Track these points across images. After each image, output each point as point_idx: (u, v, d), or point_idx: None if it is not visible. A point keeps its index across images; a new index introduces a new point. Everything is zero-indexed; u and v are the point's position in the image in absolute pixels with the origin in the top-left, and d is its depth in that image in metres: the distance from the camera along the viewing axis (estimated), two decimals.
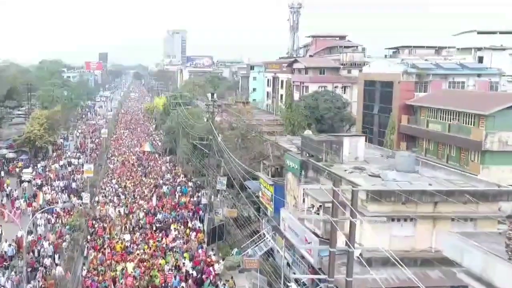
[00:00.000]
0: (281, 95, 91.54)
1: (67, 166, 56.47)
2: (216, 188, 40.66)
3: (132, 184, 46.37)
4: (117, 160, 59.59)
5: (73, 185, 46.37)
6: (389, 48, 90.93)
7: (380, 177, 25.64)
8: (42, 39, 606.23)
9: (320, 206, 25.12)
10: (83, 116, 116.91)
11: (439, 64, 51.46)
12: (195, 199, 42.55)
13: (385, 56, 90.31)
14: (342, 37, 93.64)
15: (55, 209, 37.68)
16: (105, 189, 45.21)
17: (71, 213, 36.97)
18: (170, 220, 36.48)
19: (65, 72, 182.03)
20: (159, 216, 37.46)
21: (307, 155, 30.70)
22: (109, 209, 37.51)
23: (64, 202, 40.77)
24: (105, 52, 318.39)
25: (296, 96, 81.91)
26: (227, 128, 50.20)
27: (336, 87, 74.15)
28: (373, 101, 54.95)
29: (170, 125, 68.35)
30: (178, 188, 46.29)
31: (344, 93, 73.62)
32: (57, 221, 35.30)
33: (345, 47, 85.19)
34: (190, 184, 48.30)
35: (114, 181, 47.66)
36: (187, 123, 58.22)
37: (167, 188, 45.33)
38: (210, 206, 36.79)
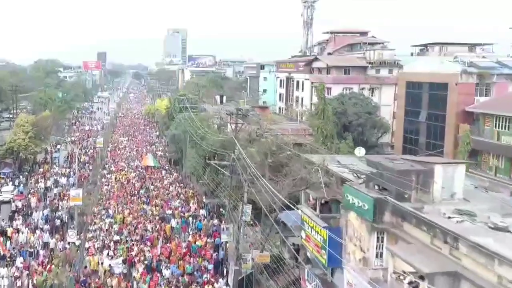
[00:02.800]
0: (296, 97, 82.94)
1: (52, 187, 47.31)
2: (240, 221, 31.84)
3: (132, 215, 36.81)
4: (114, 178, 50.33)
5: (58, 214, 37.00)
6: (415, 46, 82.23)
7: (510, 231, 16.84)
8: (40, 38, 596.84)
9: (422, 277, 16.34)
10: (79, 119, 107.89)
11: (503, 62, 42.67)
12: (210, 238, 33.04)
13: (411, 54, 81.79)
14: (364, 33, 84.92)
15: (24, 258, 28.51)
16: (96, 223, 35.51)
17: (49, 264, 27.60)
18: (186, 279, 26.80)
19: (61, 72, 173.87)
20: (166, 273, 27.58)
21: (376, 187, 21.94)
22: (101, 267, 27.84)
23: (45, 243, 31.73)
24: (103, 51, 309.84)
25: (315, 99, 73.18)
26: (245, 140, 41.47)
27: (362, 88, 65.56)
28: (418, 106, 46.18)
29: (175, 132, 59.49)
30: (190, 219, 36.97)
31: (372, 95, 65.11)
32: (28, 279, 25.85)
33: (369, 43, 76.47)
34: (202, 212, 38.93)
35: (110, 210, 38.48)
36: (197, 131, 49.47)
37: (177, 222, 35.87)
38: (237, 253, 27.83)
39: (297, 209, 30.29)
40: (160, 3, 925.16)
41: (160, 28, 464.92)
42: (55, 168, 54.02)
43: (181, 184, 48.17)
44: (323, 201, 26.39)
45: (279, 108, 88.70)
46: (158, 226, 34.02)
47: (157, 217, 36.21)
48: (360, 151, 29.65)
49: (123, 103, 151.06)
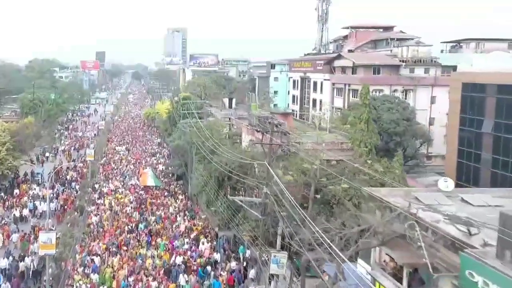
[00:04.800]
0: (314, 100, 74.29)
1: (29, 217, 37.56)
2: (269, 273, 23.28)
3: (127, 266, 27.47)
4: (108, 204, 39.96)
5: (26, 262, 27.70)
6: (446, 42, 73.77)
7: None
8: (39, 38, 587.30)
9: None
10: (73, 123, 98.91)
11: None
12: None
13: (441, 51, 73.31)
14: (388, 28, 76.23)
15: None
16: (75, 280, 26.20)
17: None
18: None
19: (57, 72, 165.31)
20: None
21: None
22: None
23: None
24: (102, 51, 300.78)
25: (339, 102, 64.66)
26: (266, 156, 32.73)
27: (395, 90, 57.04)
28: (480, 113, 37.49)
29: (179, 142, 50.76)
30: (208, 266, 27.62)
31: (405, 98, 56.59)
32: None
33: (397, 39, 67.90)
34: (217, 256, 29.63)
35: (96, 260, 27.98)
36: (205, 143, 40.98)
37: (186, 281, 26.59)
38: None
39: (355, 261, 21.87)
40: (160, 2, 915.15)
41: (160, 28, 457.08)
42: (35, 189, 44.42)
43: (189, 212, 38.57)
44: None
45: (293, 112, 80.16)
46: (162, 286, 24.87)
47: (160, 271, 26.99)
48: (448, 184, 20.96)
49: (122, 105, 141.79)
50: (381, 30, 76.38)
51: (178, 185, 48.68)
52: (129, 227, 34.43)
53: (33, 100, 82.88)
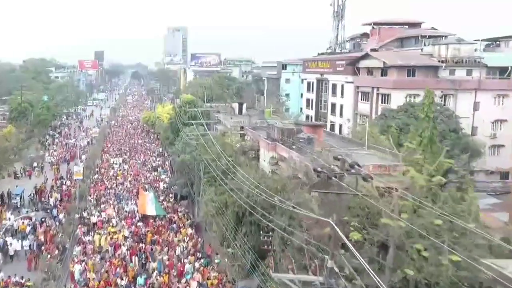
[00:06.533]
0: (332, 105, 66.54)
1: None
2: None
3: None
4: (97, 242, 31.46)
5: None
6: (481, 40, 66.17)
7: None
8: (37, 37, 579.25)
9: None
10: (68, 127, 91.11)
11: None
12: None
13: (475, 50, 65.73)
14: (414, 25, 68.46)
15: None
16: None
17: None
18: None
19: (53, 72, 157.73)
20: None
21: None
22: None
23: None
24: (101, 50, 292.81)
25: (364, 107, 56.89)
26: (292, 182, 25.13)
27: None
28: None
29: (184, 158, 43.01)
30: None
31: (445, 104, 49.07)
32: None
33: (429, 37, 60.12)
34: None
35: None
36: (218, 161, 33.73)
37: None
38: None
39: None
40: (159, 2, 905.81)
41: (159, 27, 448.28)
42: (9, 218, 35.92)
43: (202, 255, 30.25)
44: None
45: (308, 117, 72.50)
46: None
47: None
48: None
49: (120, 107, 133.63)
50: (407, 26, 68.65)
51: (184, 213, 40.39)
52: (123, 283, 26.24)
53: (22, 103, 75.15)
